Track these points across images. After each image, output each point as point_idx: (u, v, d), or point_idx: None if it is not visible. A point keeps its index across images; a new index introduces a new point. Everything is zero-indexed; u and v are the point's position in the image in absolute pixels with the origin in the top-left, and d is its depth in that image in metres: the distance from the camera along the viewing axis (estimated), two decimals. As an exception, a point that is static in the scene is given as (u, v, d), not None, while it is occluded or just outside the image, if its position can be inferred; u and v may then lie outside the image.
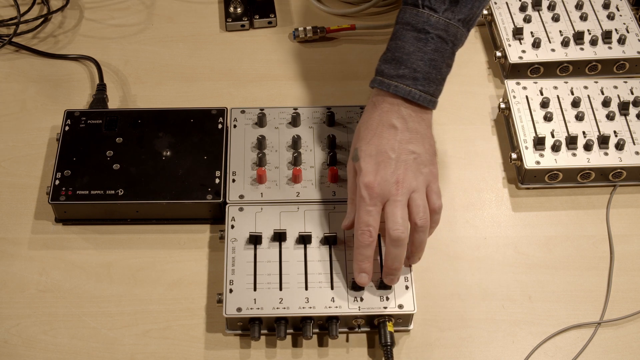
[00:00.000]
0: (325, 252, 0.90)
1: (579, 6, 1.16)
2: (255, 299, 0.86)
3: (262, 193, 0.95)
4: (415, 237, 0.86)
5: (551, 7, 1.15)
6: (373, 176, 0.85)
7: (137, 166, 0.98)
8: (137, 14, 1.23)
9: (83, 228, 0.98)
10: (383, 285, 0.87)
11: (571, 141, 1.00)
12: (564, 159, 0.99)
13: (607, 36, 1.11)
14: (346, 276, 0.88)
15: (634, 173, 1.00)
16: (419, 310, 0.89)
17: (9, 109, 1.10)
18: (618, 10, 1.15)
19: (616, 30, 1.12)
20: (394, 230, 0.83)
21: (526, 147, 1.00)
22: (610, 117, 1.03)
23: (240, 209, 0.94)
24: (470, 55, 1.17)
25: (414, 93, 0.87)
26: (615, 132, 1.01)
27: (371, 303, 0.87)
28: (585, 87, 1.07)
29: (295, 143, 0.99)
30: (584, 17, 1.14)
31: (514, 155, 1.01)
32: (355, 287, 0.87)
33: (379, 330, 0.87)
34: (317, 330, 0.88)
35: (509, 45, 1.11)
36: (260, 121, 1.01)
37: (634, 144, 1.00)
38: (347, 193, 0.90)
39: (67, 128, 1.01)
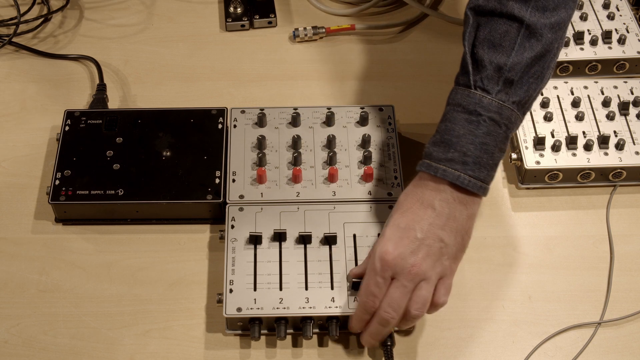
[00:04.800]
0: (325, 252, 0.90)
1: (579, 6, 1.15)
2: (255, 299, 0.86)
3: (262, 193, 0.95)
4: (403, 323, 0.84)
5: (551, 7, 1.15)
6: (392, 248, 0.82)
7: (137, 166, 0.98)
8: (137, 14, 1.23)
9: (83, 228, 0.98)
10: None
11: (571, 141, 1.00)
12: (564, 159, 0.99)
13: (607, 36, 1.11)
14: (346, 276, 0.88)
15: (634, 173, 1.00)
16: (419, 310, 0.89)
17: (9, 109, 1.10)
18: (618, 10, 1.15)
19: (616, 30, 1.12)
20: (385, 313, 0.82)
21: (526, 147, 1.00)
22: (610, 117, 1.03)
23: (240, 209, 0.94)
24: (470, 55, 1.17)
25: (462, 178, 0.82)
26: (615, 132, 1.01)
27: (371, 303, 0.87)
28: (585, 87, 1.06)
29: (295, 143, 0.99)
30: (584, 17, 1.14)
31: (514, 155, 1.01)
32: (355, 286, 0.87)
33: (379, 331, 0.86)
34: (317, 330, 0.88)
35: (509, 45, 1.11)
36: (260, 121, 1.01)
37: (634, 144, 1.00)
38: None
39: (67, 128, 1.01)
